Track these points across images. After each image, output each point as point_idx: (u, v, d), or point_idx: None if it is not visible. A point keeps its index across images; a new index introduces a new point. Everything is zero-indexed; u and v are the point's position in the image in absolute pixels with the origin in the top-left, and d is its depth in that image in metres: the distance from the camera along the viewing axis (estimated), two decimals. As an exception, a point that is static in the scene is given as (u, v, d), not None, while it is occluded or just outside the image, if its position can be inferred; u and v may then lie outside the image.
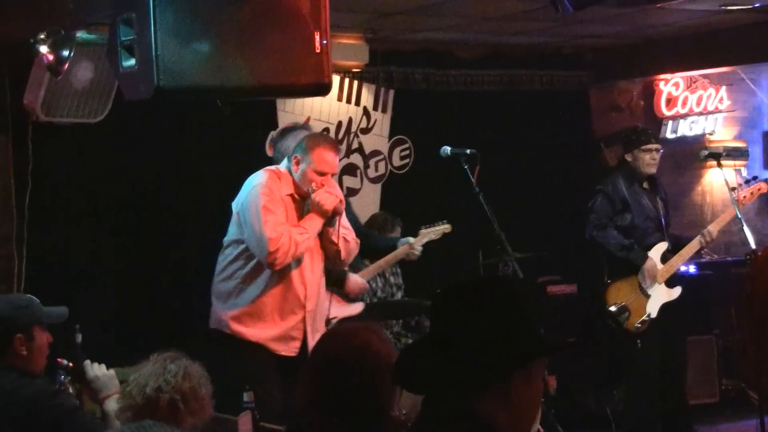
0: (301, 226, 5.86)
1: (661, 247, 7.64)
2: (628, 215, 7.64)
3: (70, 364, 4.65)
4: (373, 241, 7.22)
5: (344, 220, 6.09)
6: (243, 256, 5.91)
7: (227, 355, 5.94)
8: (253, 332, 5.89)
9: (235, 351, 5.92)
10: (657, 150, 7.67)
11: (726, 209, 8.09)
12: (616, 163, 8.21)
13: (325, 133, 6.71)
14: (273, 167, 6.02)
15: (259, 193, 5.82)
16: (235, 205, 5.96)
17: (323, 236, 5.98)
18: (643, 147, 7.63)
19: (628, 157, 7.74)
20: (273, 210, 5.79)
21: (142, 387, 3.82)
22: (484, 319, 2.43)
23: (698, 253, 7.95)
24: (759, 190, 7.81)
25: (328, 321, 6.52)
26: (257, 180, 5.91)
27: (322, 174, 5.87)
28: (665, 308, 7.58)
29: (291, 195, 5.93)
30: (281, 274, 5.88)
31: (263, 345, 5.90)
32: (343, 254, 6.06)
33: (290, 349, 5.93)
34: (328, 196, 5.87)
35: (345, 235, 6.07)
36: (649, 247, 7.61)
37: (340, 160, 8.34)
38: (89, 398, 4.77)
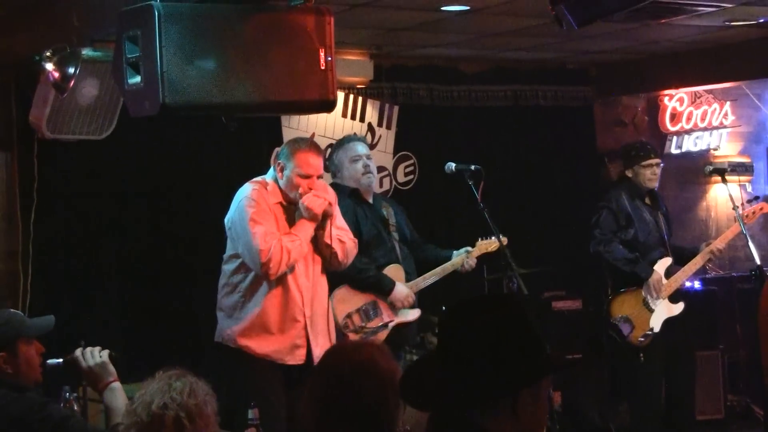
0: (292, 233, 5.88)
1: (666, 262, 7.64)
2: (631, 230, 7.65)
3: (60, 361, 4.61)
4: (430, 252, 7.27)
5: (339, 220, 6.12)
6: (242, 269, 5.95)
7: (233, 368, 5.96)
8: (258, 345, 5.90)
9: (241, 365, 5.94)
10: (657, 164, 7.69)
11: (731, 224, 8.09)
12: (618, 179, 8.23)
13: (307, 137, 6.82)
14: (260, 178, 6.05)
15: (245, 206, 5.86)
16: (227, 221, 5.99)
17: (317, 240, 5.99)
18: (643, 163, 7.65)
19: (629, 173, 7.76)
20: (260, 221, 5.82)
21: (148, 404, 3.81)
22: (491, 336, 2.43)
23: (703, 269, 7.95)
24: (761, 209, 7.83)
25: (385, 325, 6.77)
26: (243, 194, 5.96)
27: (306, 176, 5.91)
28: (669, 324, 7.57)
29: (280, 203, 5.96)
30: (279, 284, 5.90)
31: (270, 357, 5.91)
32: (339, 255, 6.08)
33: (296, 358, 5.94)
34: (316, 199, 5.90)
35: (339, 236, 6.09)
36: (653, 262, 7.62)
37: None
38: (91, 386, 4.75)
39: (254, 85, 4.68)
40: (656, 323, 7.55)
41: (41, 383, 4.61)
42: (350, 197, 6.83)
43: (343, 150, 6.95)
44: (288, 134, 8.13)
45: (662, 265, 7.62)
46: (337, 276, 6.53)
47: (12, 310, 4.70)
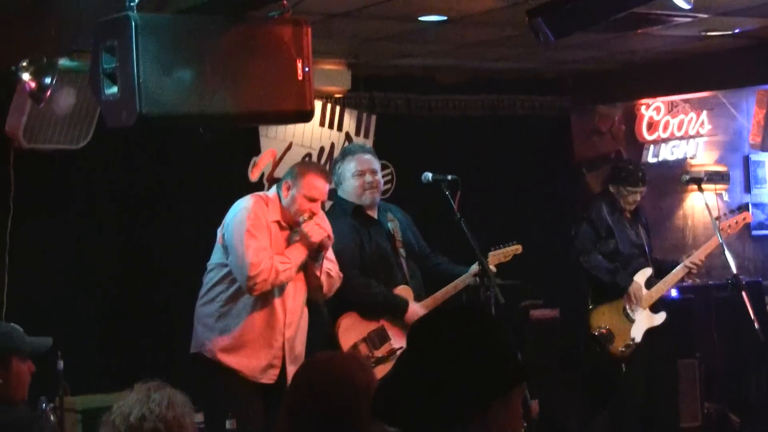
0: (285, 255, 5.88)
1: (646, 272, 7.68)
2: (612, 241, 7.69)
3: None
4: (443, 267, 7.05)
5: (329, 253, 6.10)
6: (226, 279, 5.93)
7: (211, 379, 5.95)
8: (234, 360, 5.88)
9: (219, 376, 5.92)
10: (641, 193, 7.76)
11: (707, 233, 8.13)
12: (600, 191, 8.26)
13: (315, 161, 6.70)
14: (261, 193, 6.06)
15: (245, 218, 5.85)
16: (221, 228, 5.97)
17: (307, 269, 5.99)
18: (630, 188, 7.71)
19: (612, 189, 7.80)
20: (256, 235, 5.81)
21: (126, 416, 3.81)
22: (457, 350, 2.43)
23: (681, 278, 7.98)
24: (744, 219, 7.90)
25: (394, 352, 6.55)
26: (244, 204, 5.94)
27: (312, 200, 5.91)
28: (650, 333, 7.60)
29: (278, 222, 5.95)
30: (263, 300, 5.89)
31: (242, 374, 5.89)
32: (325, 288, 6.08)
33: (269, 377, 5.93)
34: (318, 228, 5.90)
35: (329, 270, 6.08)
36: (634, 273, 7.64)
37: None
38: None
39: (232, 96, 4.68)
40: (637, 333, 7.57)
41: (24, 401, 4.60)
42: (353, 217, 6.66)
43: (347, 162, 6.71)
44: (266, 144, 8.13)
45: (642, 275, 7.66)
46: (345, 303, 6.45)
47: (13, 324, 4.68)
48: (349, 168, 6.67)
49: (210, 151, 7.48)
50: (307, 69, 4.84)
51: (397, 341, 6.60)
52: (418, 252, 7.00)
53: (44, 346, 4.71)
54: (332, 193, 7.18)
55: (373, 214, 6.80)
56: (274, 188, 6.04)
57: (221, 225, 5.99)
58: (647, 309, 7.62)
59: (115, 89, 4.61)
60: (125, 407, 3.82)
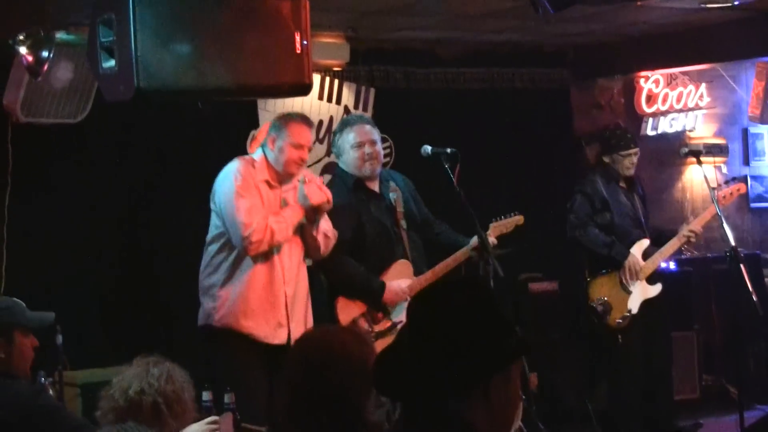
0: (281, 215, 5.88)
1: (643, 243, 7.68)
2: (607, 214, 7.68)
3: None
4: (444, 236, 6.98)
5: (325, 221, 6.11)
6: (226, 248, 5.95)
7: (215, 352, 5.96)
8: (245, 324, 5.89)
9: (223, 348, 5.92)
10: (636, 154, 7.74)
11: (706, 205, 8.12)
12: (595, 163, 8.25)
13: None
14: (246, 156, 6.05)
15: (232, 180, 5.87)
16: (211, 196, 5.99)
17: (304, 230, 5.99)
18: (623, 152, 7.70)
19: (607, 159, 7.80)
20: (246, 195, 5.83)
21: (125, 389, 3.83)
22: (461, 321, 2.43)
23: (679, 250, 7.99)
24: (738, 190, 7.89)
25: (394, 326, 6.55)
26: (230, 168, 5.96)
27: (299, 147, 5.92)
28: (646, 305, 7.61)
29: (266, 181, 5.95)
30: (263, 262, 5.90)
31: (253, 336, 5.89)
32: (322, 249, 6.09)
33: (279, 337, 5.94)
34: (318, 191, 5.91)
35: (326, 231, 6.09)
36: (631, 245, 7.65)
37: (320, 159, 8.42)
38: None
39: (230, 70, 4.68)
40: (634, 305, 7.59)
41: (28, 377, 4.62)
42: (353, 191, 6.59)
43: (345, 133, 6.60)
44: (264, 117, 8.11)
45: (639, 247, 7.66)
46: (330, 289, 6.53)
47: (14, 298, 4.69)
48: (348, 139, 6.58)
49: (209, 124, 7.47)
50: (305, 42, 4.83)
51: (397, 315, 6.58)
52: (420, 221, 6.96)
53: (46, 321, 4.73)
54: (332, 166, 7.19)
55: (374, 186, 6.73)
56: (258, 150, 6.04)
57: (211, 193, 6.00)
58: (644, 280, 7.63)
59: (112, 63, 4.61)
60: (124, 381, 3.84)
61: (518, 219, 7.05)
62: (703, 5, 7.72)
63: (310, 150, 6.09)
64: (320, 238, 6.04)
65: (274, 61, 4.76)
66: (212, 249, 6.01)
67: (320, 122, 8.49)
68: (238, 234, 5.78)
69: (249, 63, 4.70)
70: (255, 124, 8.10)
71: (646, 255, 7.67)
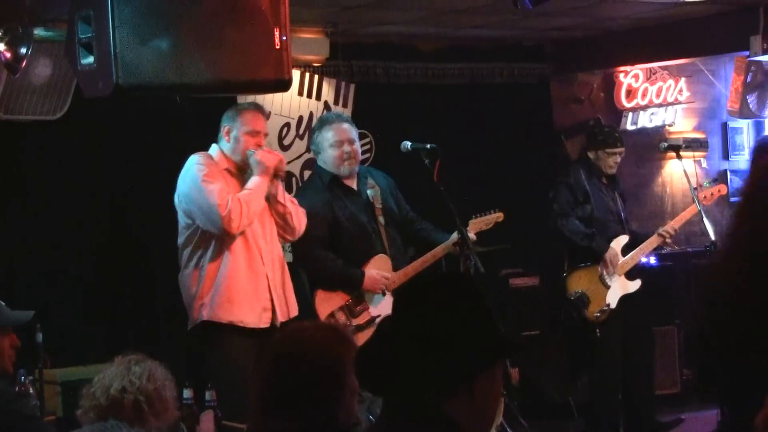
0: (246, 188, 5.87)
1: (623, 239, 7.70)
2: (588, 207, 7.70)
3: None
4: (424, 233, 7.01)
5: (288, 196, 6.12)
6: (201, 245, 5.92)
7: (211, 349, 5.92)
8: (234, 313, 5.86)
9: (218, 342, 5.88)
10: (620, 153, 7.76)
11: (686, 200, 8.13)
12: (578, 157, 8.26)
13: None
14: (202, 152, 6.03)
15: (195, 171, 5.87)
16: (177, 195, 5.97)
17: (271, 200, 5.97)
18: (608, 150, 7.71)
19: (591, 154, 7.81)
20: (213, 180, 5.83)
21: (107, 388, 3.82)
22: (447, 317, 2.42)
23: (657, 246, 8.01)
24: (719, 191, 7.97)
25: (372, 320, 6.58)
26: (190, 162, 5.95)
27: (255, 133, 5.94)
28: (626, 300, 7.63)
29: (227, 170, 5.95)
30: (240, 248, 5.88)
31: (242, 323, 5.87)
32: (294, 217, 6.08)
33: (264, 321, 5.92)
34: (268, 154, 5.92)
35: (292, 200, 6.09)
36: (610, 239, 7.67)
37: (300, 155, 8.40)
38: None
39: (209, 65, 4.67)
40: (612, 299, 7.61)
41: (9, 375, 4.59)
42: (329, 189, 6.64)
43: (324, 131, 6.68)
44: (244, 113, 8.09)
45: (618, 242, 7.68)
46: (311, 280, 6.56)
47: None
48: (327, 138, 6.65)
49: (188, 119, 7.44)
50: (284, 38, 4.83)
51: (375, 309, 6.62)
52: (400, 218, 6.99)
53: (25, 319, 4.69)
54: (313, 162, 7.18)
55: (352, 183, 6.77)
56: (213, 146, 6.03)
57: (176, 193, 5.97)
58: (623, 276, 7.65)
59: (91, 59, 4.59)
60: (106, 380, 3.83)
61: (498, 216, 7.08)
62: (682, 0, 7.74)
63: (266, 135, 6.09)
64: (289, 206, 6.04)
65: (254, 56, 4.75)
66: (187, 251, 5.97)
67: (300, 118, 8.47)
68: (215, 217, 5.75)
69: (228, 59, 4.70)
70: (235, 120, 8.06)
71: (626, 252, 7.70)
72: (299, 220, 6.15)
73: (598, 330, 7.59)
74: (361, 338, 6.28)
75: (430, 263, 6.82)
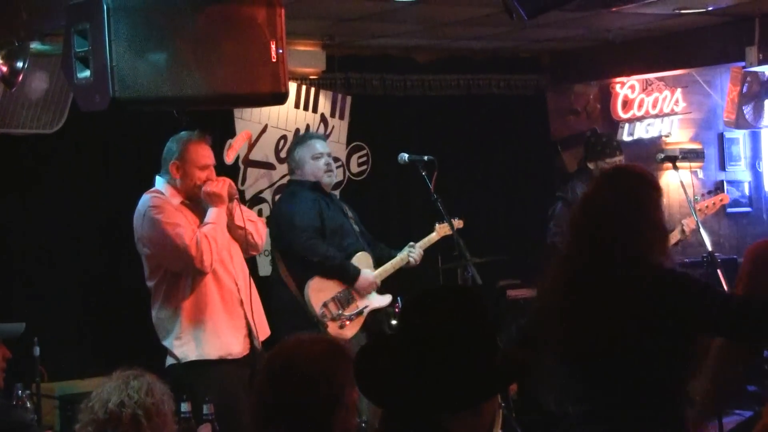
0: (207, 222, 5.79)
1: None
2: (586, 222, 7.68)
3: None
4: (379, 251, 7.26)
5: (245, 209, 6.07)
6: (173, 284, 5.81)
7: (199, 386, 5.78)
8: (219, 348, 5.79)
9: (204, 379, 5.76)
10: (621, 162, 7.74)
11: (683, 211, 8.11)
12: (576, 169, 8.25)
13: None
14: (152, 189, 5.92)
15: (152, 216, 5.74)
16: (137, 239, 5.87)
17: (230, 225, 5.91)
18: (608, 160, 7.71)
19: (591, 165, 7.80)
20: (172, 221, 5.71)
21: (105, 402, 3.81)
22: (458, 339, 2.41)
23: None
24: (721, 201, 7.95)
25: (360, 311, 6.89)
26: (143, 206, 5.83)
27: (204, 168, 5.85)
28: None
29: (182, 203, 5.87)
30: (212, 281, 5.80)
31: (230, 356, 5.82)
32: (255, 236, 6.02)
33: (244, 348, 5.87)
34: (216, 183, 5.83)
35: (248, 217, 6.03)
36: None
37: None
38: None
39: (205, 79, 4.67)
40: None
41: (1, 389, 4.58)
42: (312, 190, 6.93)
43: (306, 147, 7.02)
44: (241, 126, 8.10)
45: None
46: (308, 267, 6.75)
47: None
48: (308, 152, 7.00)
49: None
50: (281, 50, 4.84)
51: (362, 302, 6.95)
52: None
53: (16, 332, 4.68)
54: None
55: (329, 190, 7.15)
56: (159, 181, 5.91)
57: (135, 236, 5.89)
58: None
59: (87, 73, 4.59)
60: (104, 394, 3.82)
61: (459, 222, 7.23)
62: (677, 11, 7.75)
63: (214, 165, 5.99)
64: (248, 226, 5.98)
65: (250, 69, 4.76)
66: (159, 292, 5.85)
67: (297, 131, 8.46)
68: (188, 259, 5.65)
69: (225, 72, 4.70)
70: (231, 132, 8.07)
71: None
72: (260, 234, 6.10)
73: None
74: (352, 328, 6.85)
75: (389, 273, 7.15)
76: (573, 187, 7.78)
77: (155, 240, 5.75)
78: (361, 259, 7.00)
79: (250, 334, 5.90)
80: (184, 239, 5.65)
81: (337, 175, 8.54)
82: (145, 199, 5.85)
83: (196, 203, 5.90)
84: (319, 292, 6.84)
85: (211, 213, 5.82)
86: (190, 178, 5.83)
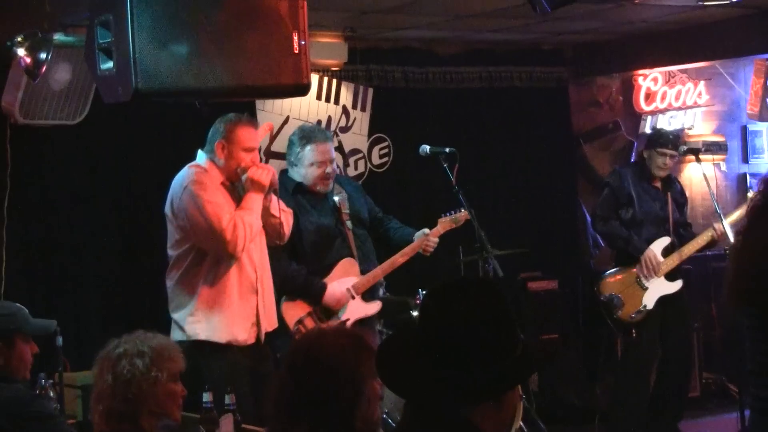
0: (244, 207, 5.77)
1: (663, 241, 7.67)
2: (630, 210, 7.69)
3: None
4: (392, 231, 7.01)
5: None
6: (196, 260, 5.76)
7: (205, 366, 5.81)
8: (229, 334, 5.78)
9: (210, 361, 5.76)
10: (671, 156, 7.69)
11: (705, 203, 8.09)
12: (636, 158, 8.25)
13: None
14: (194, 163, 5.90)
15: (194, 191, 5.68)
16: (169, 210, 5.79)
17: (264, 212, 5.89)
18: (659, 149, 7.67)
19: (645, 154, 7.80)
20: (214, 201, 5.67)
21: (115, 346, 3.97)
22: (481, 331, 2.42)
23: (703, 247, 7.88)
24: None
25: (342, 324, 6.44)
26: (187, 179, 5.76)
27: (250, 150, 5.83)
28: (664, 301, 7.60)
29: (222, 183, 5.85)
30: (235, 265, 5.76)
31: (236, 342, 5.82)
32: (285, 226, 5.97)
33: (251, 337, 5.86)
34: (262, 171, 5.79)
35: (283, 207, 6.00)
36: (651, 241, 7.64)
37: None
38: None
39: (228, 70, 4.67)
40: (650, 300, 7.59)
41: (26, 381, 4.62)
42: (293, 195, 6.57)
43: (308, 150, 6.57)
44: (263, 118, 8.11)
45: (659, 243, 7.65)
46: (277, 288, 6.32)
47: (18, 304, 4.68)
48: (309, 157, 6.56)
49: (207, 124, 7.45)
50: (303, 42, 4.83)
51: (344, 314, 6.60)
52: (369, 220, 6.96)
53: (48, 329, 4.74)
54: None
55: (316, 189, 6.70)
56: (202, 156, 5.88)
57: (168, 205, 5.79)
58: (662, 277, 7.62)
59: (110, 64, 4.60)
60: (116, 342, 3.98)
61: (465, 215, 6.90)
62: (700, 2, 7.71)
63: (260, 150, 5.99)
64: (282, 216, 5.93)
65: (272, 61, 4.75)
66: (180, 265, 5.79)
67: (318, 122, 8.48)
68: (221, 241, 5.61)
69: (247, 63, 4.69)
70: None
71: (667, 253, 7.66)
72: (289, 225, 6.08)
73: (633, 330, 7.58)
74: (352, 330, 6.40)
75: (400, 263, 6.79)
76: (621, 174, 7.78)
77: (192, 216, 5.68)
78: (346, 267, 6.65)
79: (258, 324, 5.90)
80: (221, 222, 5.61)
81: (358, 167, 8.58)
82: (189, 172, 5.80)
83: (233, 186, 5.89)
84: (291, 309, 6.51)
85: (250, 199, 5.77)
86: (235, 159, 5.80)
